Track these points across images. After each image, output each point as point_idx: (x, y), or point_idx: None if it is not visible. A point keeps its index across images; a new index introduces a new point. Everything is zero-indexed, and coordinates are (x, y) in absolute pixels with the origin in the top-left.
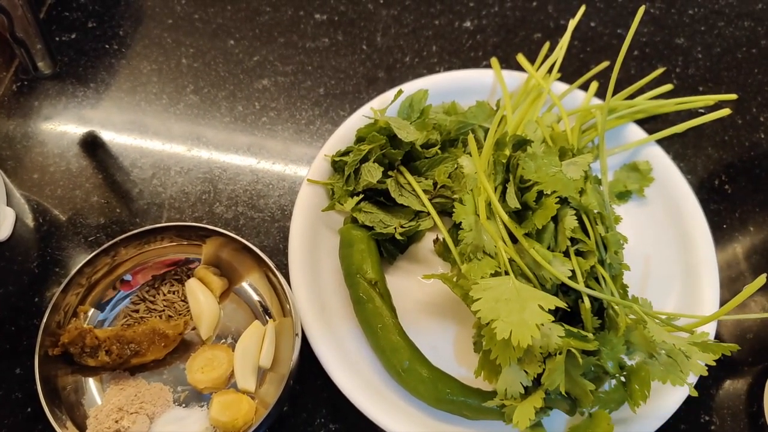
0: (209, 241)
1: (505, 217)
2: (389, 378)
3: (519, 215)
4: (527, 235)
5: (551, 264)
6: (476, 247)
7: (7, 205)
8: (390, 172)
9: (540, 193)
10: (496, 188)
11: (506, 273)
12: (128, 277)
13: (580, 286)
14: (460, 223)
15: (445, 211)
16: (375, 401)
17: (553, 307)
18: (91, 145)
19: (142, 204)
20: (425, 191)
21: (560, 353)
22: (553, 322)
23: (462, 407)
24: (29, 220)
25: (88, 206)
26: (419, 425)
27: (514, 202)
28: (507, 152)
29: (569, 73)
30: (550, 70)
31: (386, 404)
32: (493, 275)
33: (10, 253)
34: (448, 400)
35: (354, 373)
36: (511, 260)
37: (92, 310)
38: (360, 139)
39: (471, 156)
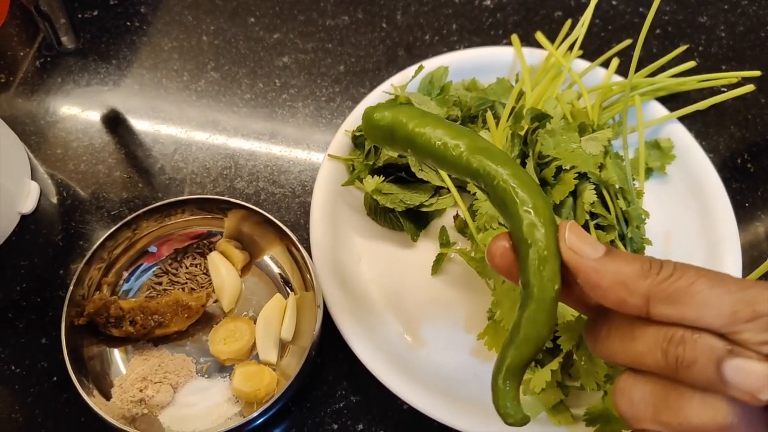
0: (231, 215)
1: None
2: (410, 351)
3: None
4: None
5: None
6: (491, 218)
7: (32, 179)
8: None
9: (559, 169)
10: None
11: None
12: (153, 248)
13: None
14: (476, 192)
15: (463, 187)
16: (395, 374)
17: None
18: (114, 120)
19: (164, 179)
20: None
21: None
22: None
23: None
24: (53, 194)
25: (111, 181)
26: (439, 397)
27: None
28: (524, 125)
29: (590, 51)
30: (571, 48)
31: (406, 377)
32: None
33: (35, 226)
34: None
35: (375, 347)
36: None
37: (115, 281)
38: None
39: (489, 131)
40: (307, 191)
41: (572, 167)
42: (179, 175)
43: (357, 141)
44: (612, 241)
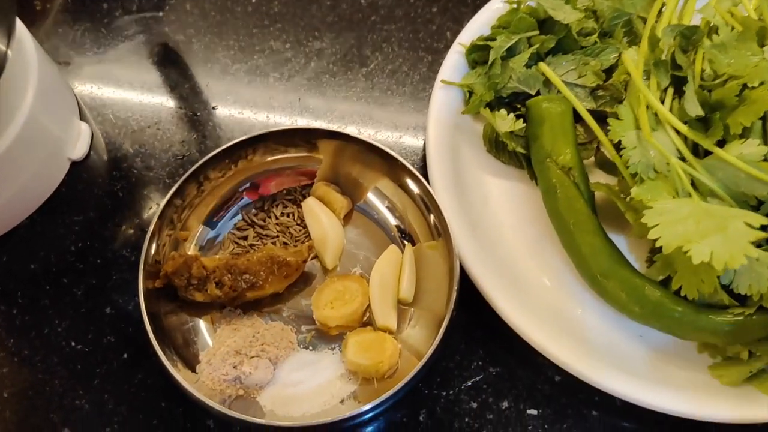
0: (323, 148)
1: (683, 127)
2: (562, 309)
3: (702, 122)
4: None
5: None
6: (647, 166)
7: (81, 120)
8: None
9: (743, 87)
10: (666, 90)
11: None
12: (245, 186)
13: None
14: (619, 142)
15: (603, 118)
16: (547, 334)
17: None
18: (174, 51)
19: (236, 115)
20: (583, 87)
21: None
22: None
23: (674, 321)
24: (107, 137)
25: (176, 119)
26: (599, 361)
27: (695, 108)
28: (663, 47)
29: None
30: None
31: (560, 337)
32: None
33: (89, 175)
34: (657, 311)
35: (520, 303)
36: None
37: (193, 235)
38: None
39: (638, 49)
40: (409, 126)
41: (761, 83)
42: (254, 111)
43: (476, 57)
44: None
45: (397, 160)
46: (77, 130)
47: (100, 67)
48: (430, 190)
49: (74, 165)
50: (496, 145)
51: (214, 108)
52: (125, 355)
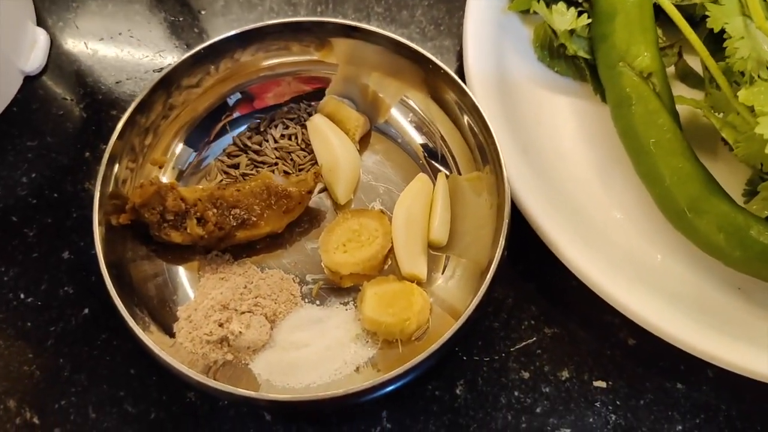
0: (336, 51)
1: None
2: (636, 255)
3: None
4: None
5: None
6: (758, 62)
7: (37, 26)
8: None
9: None
10: None
11: None
12: (235, 95)
13: None
14: (721, 32)
15: (693, 18)
16: (622, 283)
17: None
18: None
19: (230, 19)
20: None
21: None
22: None
23: None
24: (71, 45)
25: (154, 25)
26: (685, 318)
27: None
28: None
29: None
30: None
31: (639, 287)
32: None
33: (46, 92)
34: (765, 256)
35: (585, 245)
36: None
37: (171, 158)
38: None
39: None
40: (442, 31)
41: None
42: (252, 14)
43: None
44: None
45: (429, 63)
46: (31, 37)
47: None
48: (475, 101)
49: (28, 79)
50: (550, 51)
51: (200, 12)
52: (86, 311)
